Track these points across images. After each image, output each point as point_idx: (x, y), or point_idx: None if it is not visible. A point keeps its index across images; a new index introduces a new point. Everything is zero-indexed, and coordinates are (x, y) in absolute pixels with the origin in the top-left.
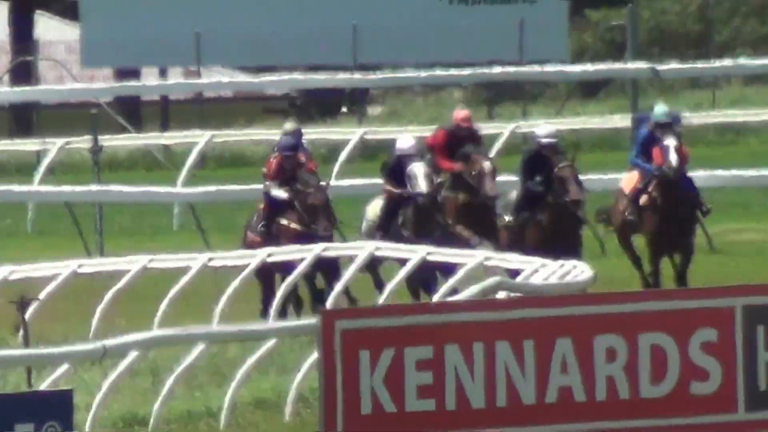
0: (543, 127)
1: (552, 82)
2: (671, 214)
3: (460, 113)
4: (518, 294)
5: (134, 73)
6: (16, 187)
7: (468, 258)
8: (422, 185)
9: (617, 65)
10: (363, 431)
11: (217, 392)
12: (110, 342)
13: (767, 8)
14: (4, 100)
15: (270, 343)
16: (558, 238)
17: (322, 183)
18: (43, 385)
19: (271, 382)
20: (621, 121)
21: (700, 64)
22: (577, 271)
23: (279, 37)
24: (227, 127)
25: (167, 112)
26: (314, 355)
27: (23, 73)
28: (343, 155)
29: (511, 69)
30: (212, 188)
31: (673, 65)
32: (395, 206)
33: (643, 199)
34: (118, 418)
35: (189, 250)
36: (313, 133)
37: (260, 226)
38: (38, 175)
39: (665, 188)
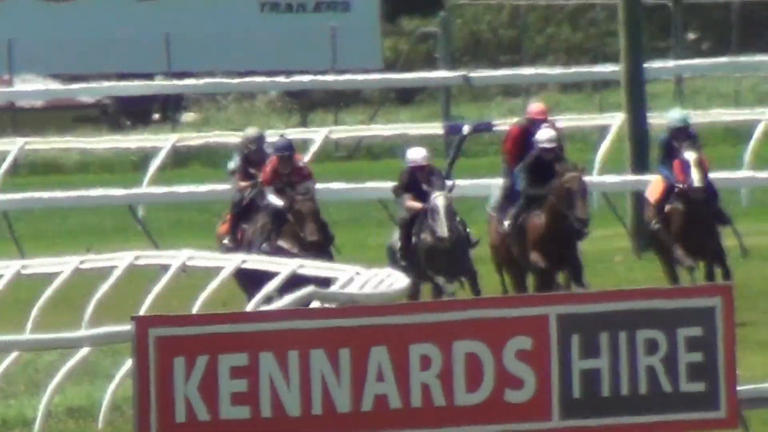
0: (543, 131)
1: (363, 89)
2: (697, 227)
3: (535, 107)
4: (333, 303)
5: None
6: None
7: (282, 266)
8: (443, 228)
9: (429, 73)
10: None
11: (32, 401)
12: None
13: (580, 16)
14: None
15: (84, 351)
16: (557, 244)
17: (310, 188)
18: None
19: (85, 390)
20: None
21: (511, 71)
22: (391, 279)
23: (92, 45)
24: (40, 135)
25: None
26: (129, 363)
27: None
28: (155, 162)
29: (323, 77)
30: (25, 195)
31: (485, 72)
32: (413, 224)
33: (668, 208)
34: None
35: (3, 257)
36: (124, 141)
37: (262, 245)
38: None
39: (690, 205)
